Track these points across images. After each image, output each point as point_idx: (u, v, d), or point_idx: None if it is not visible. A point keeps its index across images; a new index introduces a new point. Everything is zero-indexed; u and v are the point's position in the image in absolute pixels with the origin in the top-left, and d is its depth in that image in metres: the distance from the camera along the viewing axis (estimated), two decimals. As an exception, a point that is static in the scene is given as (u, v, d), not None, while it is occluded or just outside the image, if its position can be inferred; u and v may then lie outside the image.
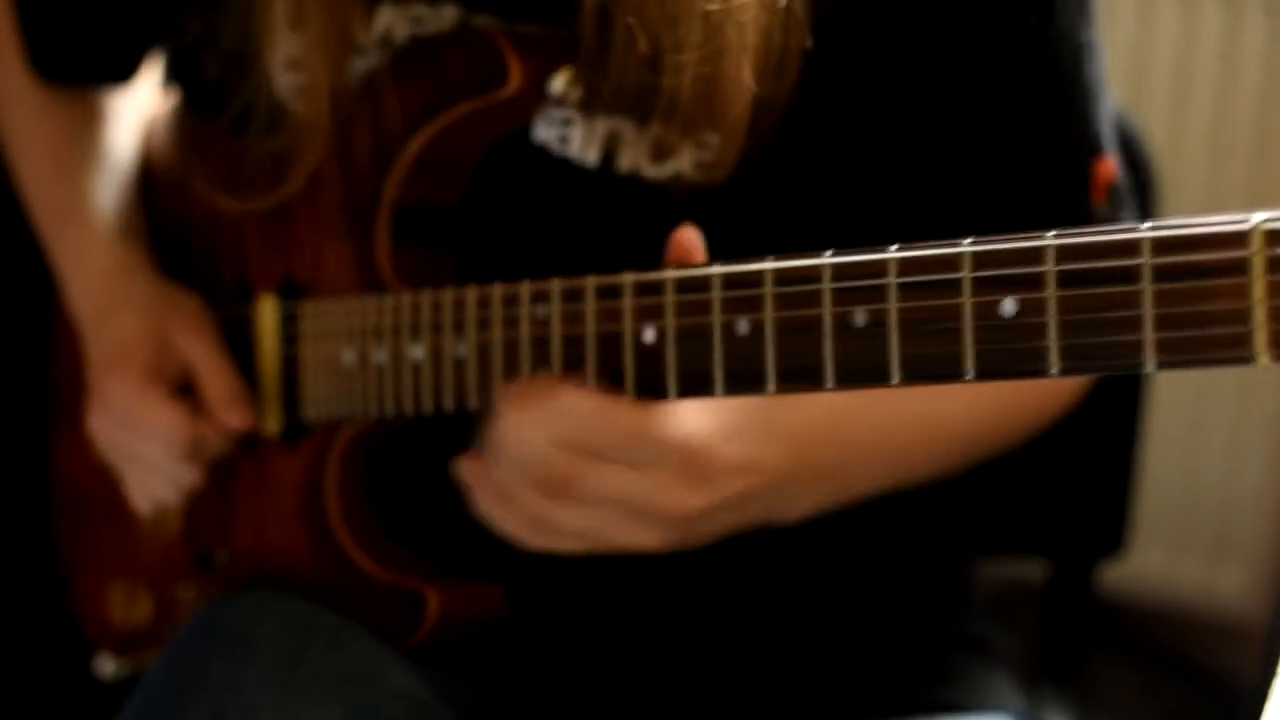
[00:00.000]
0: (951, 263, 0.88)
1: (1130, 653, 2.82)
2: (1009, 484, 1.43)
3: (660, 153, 1.19)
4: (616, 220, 1.22)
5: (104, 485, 1.45)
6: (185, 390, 1.33)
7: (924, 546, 1.43)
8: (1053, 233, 0.85)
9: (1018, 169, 1.21)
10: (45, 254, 1.46)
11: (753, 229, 1.01)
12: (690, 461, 1.03)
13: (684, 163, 1.19)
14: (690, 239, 1.04)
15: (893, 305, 0.90)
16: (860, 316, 0.92)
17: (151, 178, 1.47)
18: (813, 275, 0.94)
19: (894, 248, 0.91)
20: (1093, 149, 1.22)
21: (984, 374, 0.87)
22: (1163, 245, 0.81)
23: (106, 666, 1.52)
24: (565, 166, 1.23)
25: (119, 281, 1.38)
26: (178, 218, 1.44)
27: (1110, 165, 1.22)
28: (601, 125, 1.20)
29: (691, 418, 1.03)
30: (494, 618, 1.26)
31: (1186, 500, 2.74)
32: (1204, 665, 2.89)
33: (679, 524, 1.06)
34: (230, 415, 1.31)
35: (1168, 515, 2.64)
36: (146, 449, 1.33)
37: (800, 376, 0.95)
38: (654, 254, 1.05)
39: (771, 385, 0.96)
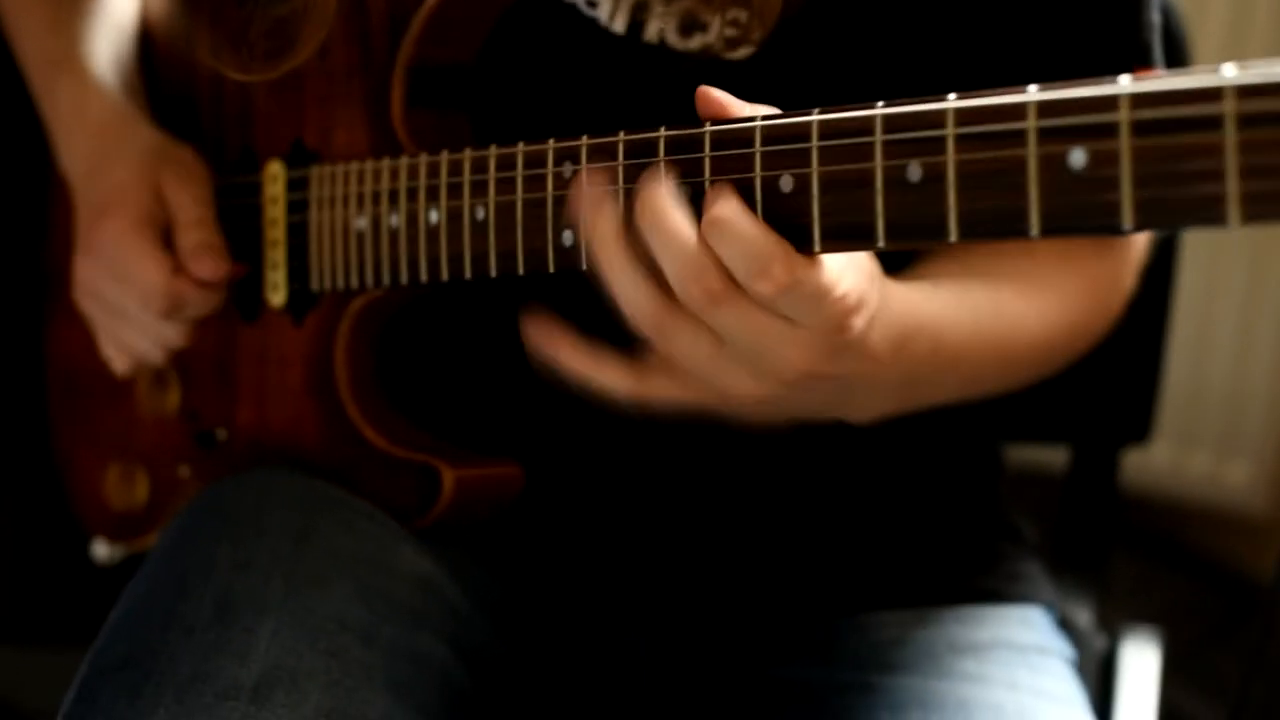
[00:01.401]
0: (1014, 112, 0.82)
1: (1137, 545, 2.80)
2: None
3: (689, 24, 1.14)
4: (639, 89, 1.16)
5: (99, 363, 1.39)
6: None
7: (954, 428, 1.38)
8: (1126, 77, 0.79)
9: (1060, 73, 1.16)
10: (39, 110, 1.41)
11: (782, 104, 0.95)
12: (832, 324, 0.93)
13: (712, 37, 1.14)
14: (719, 95, 0.96)
15: (950, 158, 0.84)
16: (915, 170, 0.86)
17: (151, 43, 1.42)
18: (863, 128, 0.88)
19: (952, 96, 0.85)
20: (1140, 58, 1.19)
21: (1050, 229, 0.82)
22: (1250, 91, 0.75)
23: (102, 550, 1.47)
24: (591, 29, 1.17)
25: (114, 131, 1.32)
26: (179, 84, 1.39)
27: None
28: None
29: (844, 279, 0.93)
30: (510, 499, 1.21)
31: (1194, 395, 2.72)
32: (1209, 557, 2.88)
33: (791, 382, 0.96)
34: (198, 264, 1.25)
35: (1176, 410, 2.62)
36: (131, 302, 1.27)
37: (848, 234, 0.89)
38: (675, 124, 0.98)
39: (816, 244, 0.90)
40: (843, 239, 0.90)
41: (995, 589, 1.31)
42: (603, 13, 1.16)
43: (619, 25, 1.16)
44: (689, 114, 0.97)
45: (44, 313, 1.55)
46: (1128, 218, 0.79)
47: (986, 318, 1.14)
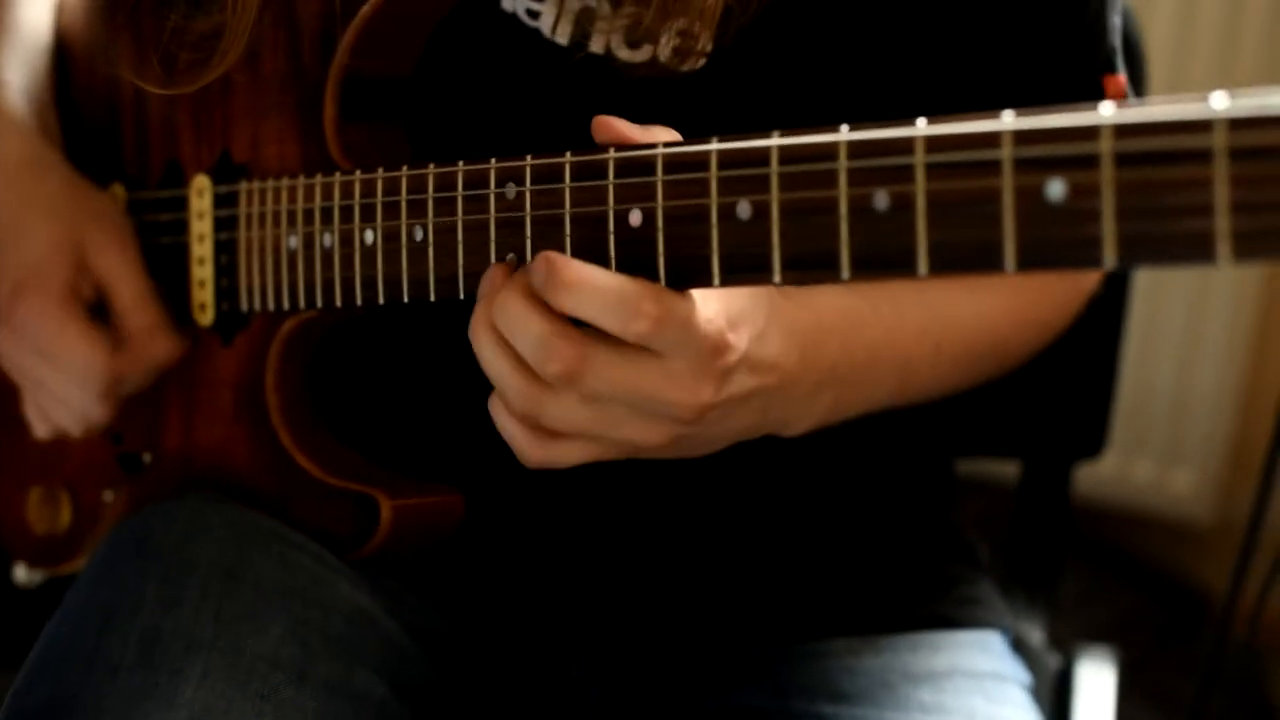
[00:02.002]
0: (988, 140, 0.78)
1: (1081, 554, 2.78)
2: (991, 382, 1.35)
3: (636, 37, 1.09)
4: (584, 103, 1.11)
5: (16, 387, 1.33)
6: (100, 309, 1.22)
7: (905, 444, 1.34)
8: (1108, 105, 0.74)
9: (1027, 85, 1.13)
10: None
11: (731, 120, 0.90)
12: (707, 351, 0.91)
13: (660, 48, 1.09)
14: (617, 122, 0.93)
15: (920, 187, 0.80)
16: (882, 199, 0.81)
17: (67, 53, 1.35)
18: (827, 153, 0.83)
19: (921, 122, 0.80)
20: (1105, 65, 1.16)
21: (1027, 264, 0.77)
22: (1243, 123, 0.70)
23: (23, 575, 1.42)
24: (534, 40, 1.13)
25: (28, 183, 1.25)
26: (98, 97, 1.32)
27: (1121, 83, 1.15)
28: (574, 2, 1.11)
29: (709, 305, 0.91)
30: (451, 528, 1.16)
31: (1139, 404, 2.71)
32: (1155, 566, 2.86)
33: (689, 420, 0.94)
34: (152, 346, 1.21)
35: (1120, 418, 2.59)
36: (56, 379, 1.22)
37: (811, 264, 0.84)
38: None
39: (777, 275, 0.86)
40: (804, 269, 0.85)
41: (950, 615, 1.28)
42: (545, 24, 1.12)
43: (562, 37, 1.12)
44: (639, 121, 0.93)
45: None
46: (1110, 253, 0.74)
47: (911, 311, 1.11)
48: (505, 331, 0.93)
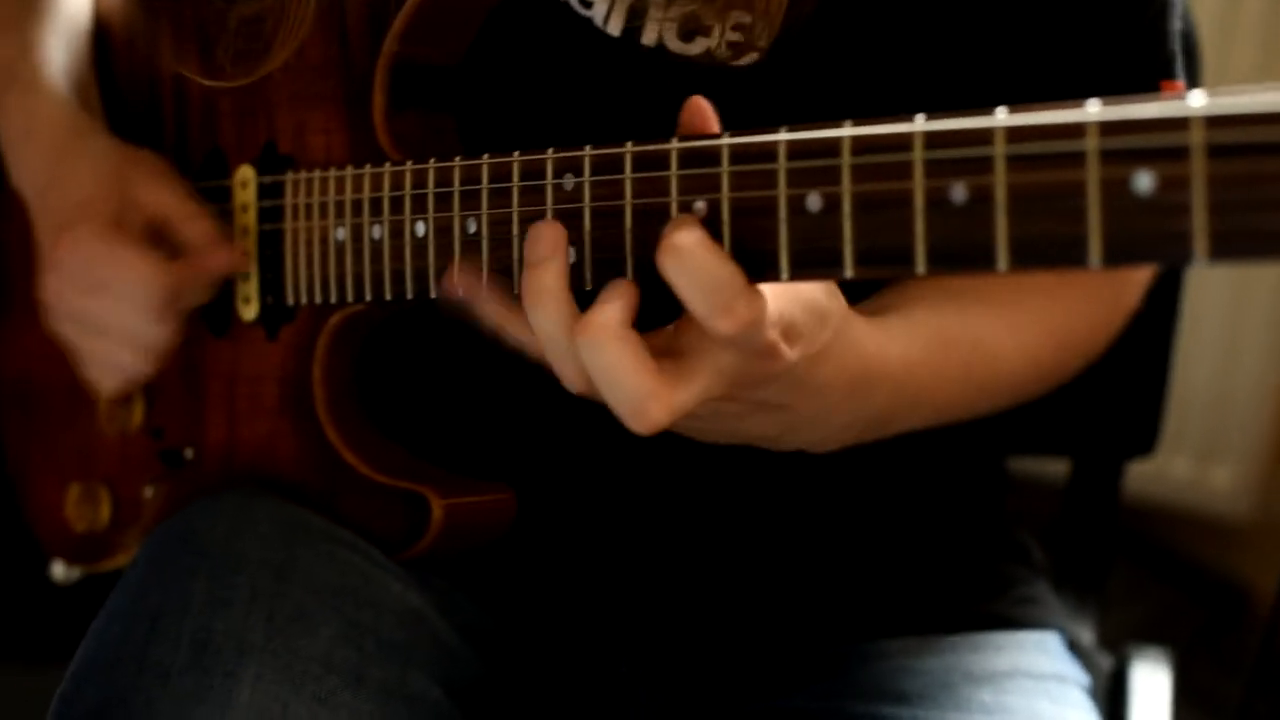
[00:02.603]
0: (1073, 130, 0.75)
1: (1122, 551, 2.75)
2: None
3: (690, 29, 1.07)
4: (636, 94, 1.09)
5: (56, 378, 1.32)
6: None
7: (957, 444, 1.31)
8: (1199, 94, 0.72)
9: (1083, 87, 1.09)
10: None
11: (788, 116, 0.87)
12: (756, 352, 0.88)
13: (714, 42, 1.06)
14: (703, 107, 0.90)
15: (1000, 179, 0.77)
16: (959, 192, 0.78)
17: (108, 41, 1.33)
18: (901, 143, 0.80)
19: (1001, 111, 0.78)
20: (1164, 69, 1.14)
21: (1113, 259, 0.75)
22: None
23: (61, 571, 1.40)
24: (585, 29, 1.11)
25: (70, 142, 1.24)
26: (139, 85, 1.31)
27: (1179, 90, 1.11)
28: None
29: (774, 306, 0.88)
30: (503, 528, 1.14)
31: (1178, 399, 2.67)
32: (1194, 563, 2.84)
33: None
34: (214, 255, 1.18)
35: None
36: (114, 309, 1.18)
37: (884, 258, 0.82)
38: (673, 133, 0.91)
39: (849, 269, 0.83)
40: (878, 263, 0.82)
41: (1009, 614, 1.26)
42: (597, 13, 1.10)
43: (614, 27, 1.09)
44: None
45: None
46: (1200, 248, 0.72)
47: (960, 349, 1.09)
48: (531, 310, 0.90)
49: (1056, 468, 1.70)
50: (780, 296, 0.88)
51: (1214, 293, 2.65)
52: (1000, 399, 1.15)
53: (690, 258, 0.84)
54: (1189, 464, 2.74)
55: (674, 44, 1.08)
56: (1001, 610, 1.26)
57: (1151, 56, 1.14)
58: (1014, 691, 1.18)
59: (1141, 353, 1.53)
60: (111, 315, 1.19)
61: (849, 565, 1.25)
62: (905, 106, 0.83)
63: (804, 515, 1.24)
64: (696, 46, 1.08)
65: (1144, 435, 1.59)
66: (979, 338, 1.10)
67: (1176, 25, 1.15)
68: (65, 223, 1.19)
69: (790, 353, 0.89)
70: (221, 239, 1.19)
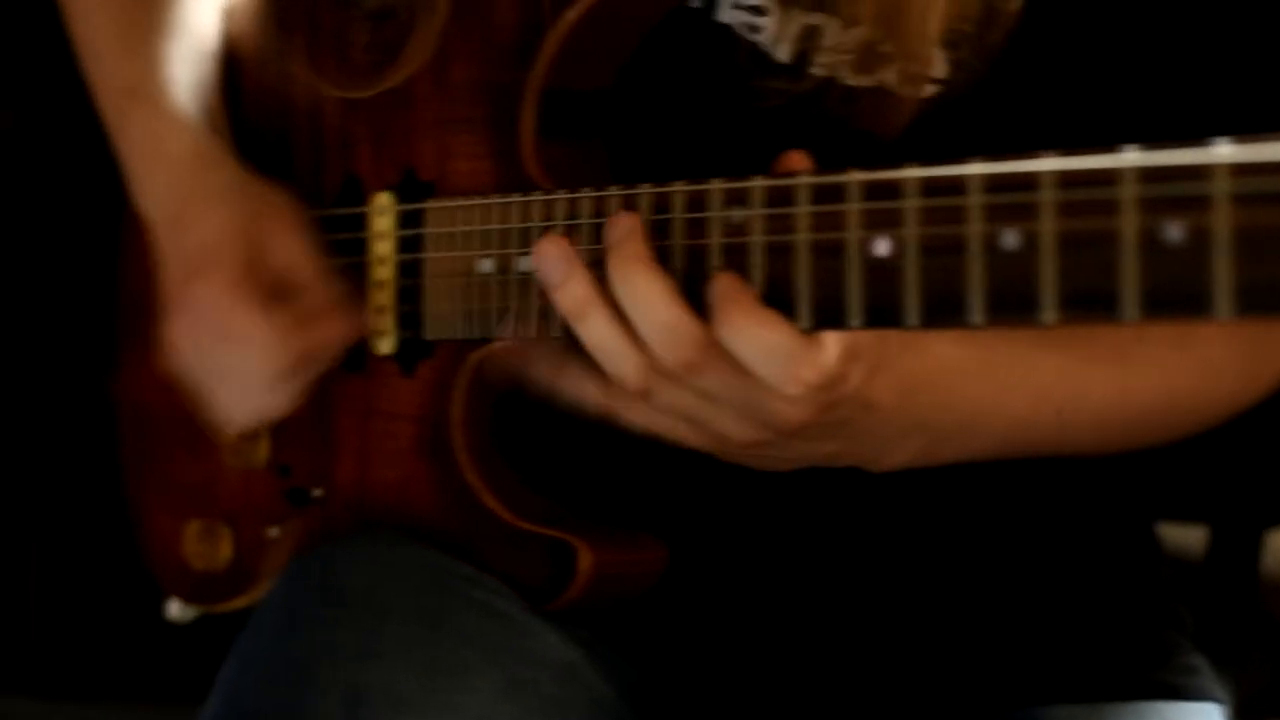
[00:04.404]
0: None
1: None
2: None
3: (867, 61, 1.03)
4: (798, 123, 1.04)
5: (177, 409, 1.27)
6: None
7: (1100, 502, 1.26)
8: None
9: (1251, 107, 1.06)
10: (111, 143, 1.28)
11: (957, 154, 0.83)
12: (824, 381, 0.89)
13: (891, 73, 1.01)
14: (798, 162, 0.90)
15: (1222, 218, 0.71)
16: (1175, 231, 0.72)
17: (236, 60, 1.30)
18: (1109, 178, 0.74)
19: (1224, 143, 0.72)
20: None
21: None
22: None
23: (176, 611, 1.36)
24: (750, 54, 1.07)
25: (197, 173, 1.21)
26: (269, 108, 1.27)
27: None
28: (799, 19, 1.05)
29: (833, 336, 0.89)
30: (650, 583, 1.10)
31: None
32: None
33: (783, 432, 0.93)
34: (337, 323, 1.15)
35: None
36: (240, 363, 1.15)
37: (1089, 302, 0.76)
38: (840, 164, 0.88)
39: (1051, 313, 0.77)
40: (1082, 307, 0.76)
41: (1173, 683, 1.20)
42: (766, 36, 1.05)
43: (784, 52, 1.05)
44: (855, 154, 0.86)
45: (114, 350, 1.43)
46: None
47: (1034, 373, 1.05)
48: (628, 305, 0.91)
49: (1193, 541, 1.64)
50: None
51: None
52: (1094, 438, 1.12)
53: (744, 329, 0.88)
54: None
55: (847, 77, 1.04)
56: (1167, 679, 1.20)
57: None
58: None
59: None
60: (238, 366, 1.16)
61: (1005, 629, 1.20)
62: (1088, 139, 0.78)
63: (961, 576, 1.19)
64: (869, 79, 1.04)
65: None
66: (1064, 363, 1.06)
67: None
68: (194, 270, 1.16)
69: (855, 373, 0.90)
70: (346, 303, 1.15)
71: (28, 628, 2.01)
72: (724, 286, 0.88)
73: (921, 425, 1.00)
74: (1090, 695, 1.17)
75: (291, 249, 1.16)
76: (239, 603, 1.28)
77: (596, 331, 0.92)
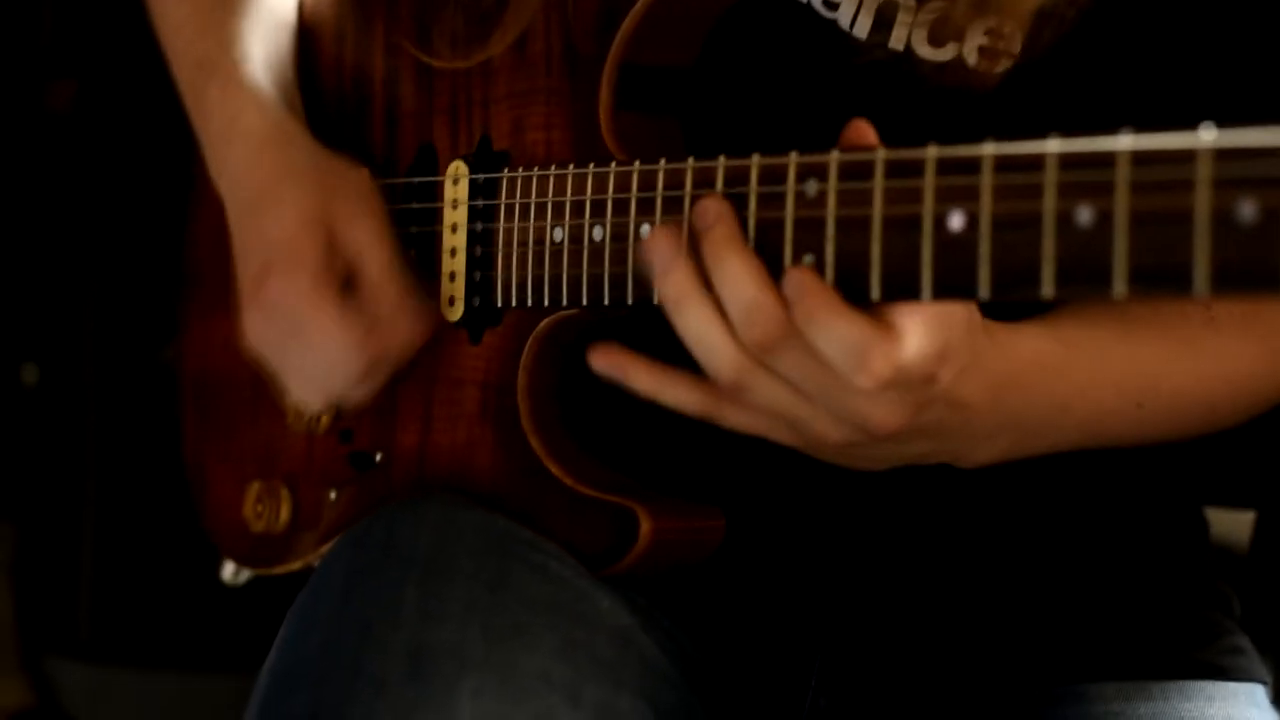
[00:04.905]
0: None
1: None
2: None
3: (942, 33, 1.05)
4: (876, 100, 1.05)
5: (242, 372, 1.29)
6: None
7: (1150, 484, 1.28)
8: None
9: None
10: (187, 115, 1.30)
11: (1030, 134, 0.84)
12: (915, 382, 0.91)
13: (966, 48, 1.02)
14: (864, 130, 0.91)
15: (1295, 197, 0.72)
16: (1248, 210, 0.73)
17: (311, 30, 1.32)
18: (1183, 157, 0.76)
19: (1296, 125, 0.73)
20: None
21: None
22: None
23: (231, 573, 1.37)
24: (828, 31, 1.08)
25: (272, 150, 1.21)
26: (345, 75, 1.29)
27: None
28: None
29: (926, 334, 0.89)
30: (708, 552, 1.11)
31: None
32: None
33: (876, 436, 0.94)
34: (409, 329, 1.16)
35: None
36: (316, 365, 1.17)
37: (1159, 277, 0.77)
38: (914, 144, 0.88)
39: (1120, 287, 0.78)
40: (1152, 283, 0.78)
41: (1219, 664, 1.22)
42: (844, 15, 1.06)
43: (861, 30, 1.06)
44: (930, 130, 0.87)
45: (178, 314, 1.45)
46: None
47: (1115, 366, 1.07)
48: (719, 285, 0.91)
49: (1240, 527, 1.64)
50: (932, 322, 0.89)
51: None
52: (1168, 425, 1.13)
53: (822, 322, 0.88)
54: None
55: (923, 49, 1.05)
56: (1212, 659, 1.21)
57: None
58: None
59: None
60: (311, 365, 1.18)
61: (1052, 605, 1.21)
62: (1156, 121, 0.79)
63: (1009, 552, 1.20)
64: (946, 53, 1.05)
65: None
66: (1141, 354, 1.08)
67: None
68: (269, 263, 1.16)
69: (945, 373, 0.91)
70: (407, 309, 1.16)
71: (79, 593, 2.03)
72: (799, 278, 0.89)
73: (1010, 422, 1.02)
74: (1136, 673, 1.18)
75: (364, 233, 1.16)
76: (294, 565, 1.29)
77: (693, 320, 0.93)
